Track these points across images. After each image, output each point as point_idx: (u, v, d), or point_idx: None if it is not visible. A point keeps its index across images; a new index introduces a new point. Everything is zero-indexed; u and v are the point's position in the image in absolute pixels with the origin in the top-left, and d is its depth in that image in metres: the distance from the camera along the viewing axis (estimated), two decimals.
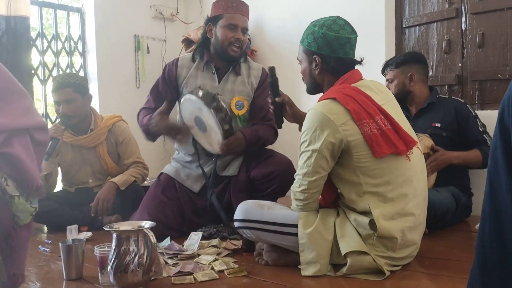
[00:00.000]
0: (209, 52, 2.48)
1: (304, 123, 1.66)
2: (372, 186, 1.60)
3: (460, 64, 2.94)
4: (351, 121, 1.58)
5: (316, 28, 1.71)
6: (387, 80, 2.64)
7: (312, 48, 1.72)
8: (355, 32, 1.74)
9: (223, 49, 2.39)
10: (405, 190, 1.63)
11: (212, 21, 2.42)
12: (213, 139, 2.27)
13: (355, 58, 1.76)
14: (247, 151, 2.37)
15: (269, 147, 2.51)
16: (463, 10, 2.90)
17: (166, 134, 2.39)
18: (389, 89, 2.59)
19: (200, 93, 2.18)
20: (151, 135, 2.44)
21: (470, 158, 2.42)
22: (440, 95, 2.66)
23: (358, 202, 1.62)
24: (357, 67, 1.80)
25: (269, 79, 1.98)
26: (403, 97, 2.57)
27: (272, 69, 1.95)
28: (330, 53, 1.70)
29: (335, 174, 1.69)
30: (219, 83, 2.45)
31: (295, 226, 1.69)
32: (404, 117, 1.77)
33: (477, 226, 2.07)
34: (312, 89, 1.82)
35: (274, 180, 2.29)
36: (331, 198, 1.77)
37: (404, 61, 2.58)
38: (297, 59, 1.84)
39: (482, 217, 0.83)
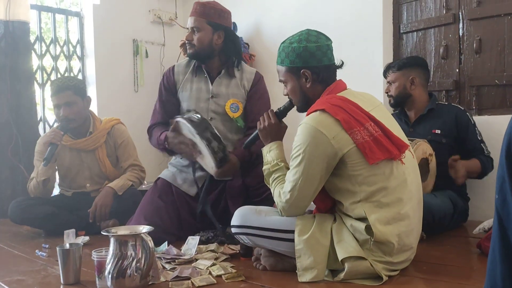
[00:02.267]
0: None
1: (296, 137, 1.66)
2: (368, 193, 1.60)
3: (457, 70, 2.95)
4: (342, 131, 1.58)
5: (294, 45, 1.72)
6: (388, 82, 2.65)
7: (298, 64, 1.72)
8: (330, 39, 1.77)
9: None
10: (400, 194, 1.63)
11: None
12: (207, 163, 2.26)
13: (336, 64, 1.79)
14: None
15: None
16: (460, 16, 2.92)
17: (181, 151, 2.32)
18: (389, 91, 2.61)
19: (195, 118, 2.16)
20: (170, 151, 2.44)
21: (472, 168, 2.43)
22: (439, 102, 2.68)
23: (354, 209, 1.62)
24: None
25: (287, 104, 1.91)
26: (402, 100, 2.59)
27: (290, 103, 1.90)
28: (317, 63, 1.71)
29: (331, 184, 1.69)
30: (212, 85, 2.48)
31: (292, 232, 1.68)
32: (393, 121, 1.78)
33: (475, 231, 2.09)
34: (304, 105, 1.80)
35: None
36: (326, 208, 1.77)
37: (407, 64, 2.60)
38: (280, 80, 1.83)
39: (493, 258, 0.76)
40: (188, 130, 2.21)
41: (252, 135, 2.03)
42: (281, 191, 1.71)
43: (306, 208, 1.73)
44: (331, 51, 1.75)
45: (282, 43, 1.78)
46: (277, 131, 1.88)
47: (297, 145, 1.64)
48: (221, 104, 2.45)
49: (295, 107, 1.87)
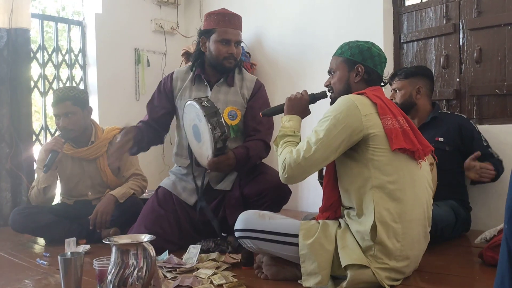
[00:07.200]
0: (201, 64, 2.49)
1: (331, 106, 1.72)
2: (381, 181, 1.62)
3: (458, 79, 2.96)
4: (375, 114, 1.66)
5: (361, 43, 1.83)
6: (393, 89, 2.65)
7: (356, 58, 1.80)
8: (387, 60, 1.88)
9: (218, 62, 2.41)
10: (410, 195, 1.65)
11: (205, 34, 2.43)
12: (203, 152, 2.24)
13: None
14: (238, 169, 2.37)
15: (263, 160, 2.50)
16: (460, 26, 2.94)
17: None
18: (394, 98, 2.62)
19: (205, 103, 2.15)
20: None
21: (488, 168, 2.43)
22: (442, 111, 2.69)
23: (364, 197, 1.64)
24: None
25: (322, 92, 1.96)
26: (407, 108, 2.59)
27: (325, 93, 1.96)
28: (373, 66, 1.80)
29: (347, 169, 1.71)
30: (211, 93, 2.46)
31: (296, 236, 1.69)
32: None
33: (477, 241, 2.08)
34: None
35: (267, 197, 2.28)
36: (332, 197, 1.78)
37: (414, 73, 2.62)
38: (330, 71, 1.89)
39: (501, 283, 0.74)
40: (195, 112, 2.18)
41: (276, 106, 2.03)
42: (293, 149, 1.71)
43: (308, 176, 1.72)
44: (385, 67, 1.84)
45: (349, 42, 1.86)
46: (304, 108, 1.92)
47: (330, 111, 1.70)
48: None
49: (329, 99, 1.91)
